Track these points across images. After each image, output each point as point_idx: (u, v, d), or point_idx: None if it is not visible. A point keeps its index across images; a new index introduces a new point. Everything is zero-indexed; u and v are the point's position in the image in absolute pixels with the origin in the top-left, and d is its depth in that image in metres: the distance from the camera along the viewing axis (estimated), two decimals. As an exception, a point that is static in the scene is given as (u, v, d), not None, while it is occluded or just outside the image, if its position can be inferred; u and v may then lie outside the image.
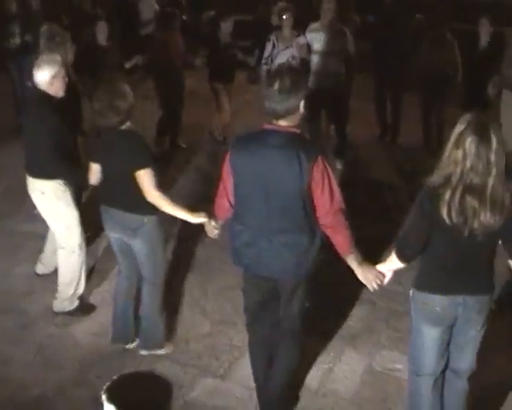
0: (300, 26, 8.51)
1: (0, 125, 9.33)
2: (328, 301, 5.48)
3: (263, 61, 8.53)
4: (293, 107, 3.74)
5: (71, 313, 5.35)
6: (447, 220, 3.39)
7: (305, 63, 8.25)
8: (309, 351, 4.95)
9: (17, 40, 9.20)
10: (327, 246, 3.92)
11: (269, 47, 8.50)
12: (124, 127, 4.48)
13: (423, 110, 9.19)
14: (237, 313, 5.10)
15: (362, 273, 3.91)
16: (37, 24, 7.85)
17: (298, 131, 3.80)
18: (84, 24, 9.20)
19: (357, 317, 5.39)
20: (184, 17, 11.57)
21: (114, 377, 2.72)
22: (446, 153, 3.43)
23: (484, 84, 7.95)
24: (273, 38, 8.49)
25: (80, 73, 6.48)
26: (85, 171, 4.80)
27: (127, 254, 4.75)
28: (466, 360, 3.81)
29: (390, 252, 3.83)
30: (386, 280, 3.93)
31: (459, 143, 3.38)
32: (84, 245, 5.34)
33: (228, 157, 3.91)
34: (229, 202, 4.02)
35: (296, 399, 4.54)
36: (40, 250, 5.89)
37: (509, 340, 5.04)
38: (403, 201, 7.00)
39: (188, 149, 9.05)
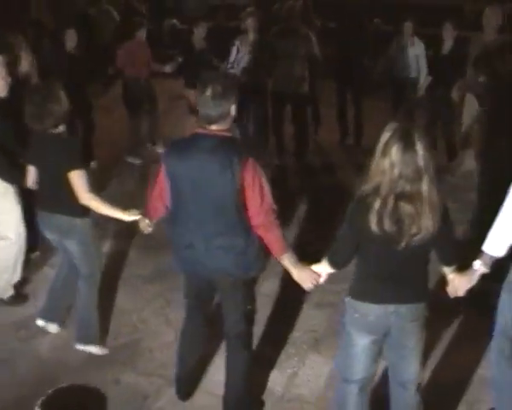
0: (266, 30, 8.63)
1: None
2: (290, 306, 5.56)
3: (228, 65, 8.61)
4: (226, 112, 3.85)
5: (4, 302, 5.53)
6: (377, 230, 3.40)
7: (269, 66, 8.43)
8: (273, 357, 5.02)
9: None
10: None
11: (233, 52, 8.61)
12: (56, 131, 4.60)
13: (392, 112, 9.28)
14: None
15: (297, 273, 3.97)
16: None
17: (229, 134, 3.91)
18: (44, 35, 9.17)
19: (319, 321, 5.43)
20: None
21: (49, 391, 2.72)
22: (374, 162, 3.44)
23: (448, 87, 8.13)
24: (237, 42, 8.59)
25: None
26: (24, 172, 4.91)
27: (66, 250, 4.91)
28: (410, 371, 3.80)
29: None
30: (322, 280, 3.94)
31: (385, 151, 3.39)
32: (23, 235, 5.43)
33: (163, 162, 4.01)
34: (165, 206, 4.11)
35: (261, 404, 4.56)
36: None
37: (472, 339, 5.14)
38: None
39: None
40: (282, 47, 8.31)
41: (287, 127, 9.13)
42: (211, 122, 3.85)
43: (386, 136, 3.42)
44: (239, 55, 8.56)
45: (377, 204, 3.40)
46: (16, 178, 5.14)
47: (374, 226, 3.40)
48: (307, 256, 4.08)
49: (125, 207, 4.62)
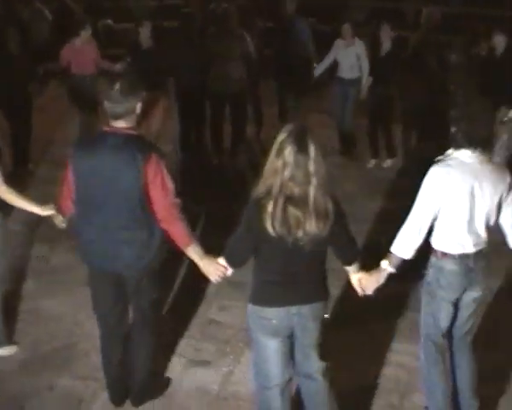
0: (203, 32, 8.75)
1: None
2: (227, 304, 5.62)
3: None
4: (132, 108, 3.94)
5: None
6: (271, 231, 3.47)
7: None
8: (208, 356, 5.06)
9: None
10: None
11: None
12: None
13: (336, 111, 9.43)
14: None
15: (203, 266, 4.07)
16: None
17: (134, 132, 4.01)
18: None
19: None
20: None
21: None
22: (269, 162, 3.50)
23: (387, 86, 8.39)
24: None
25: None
26: None
27: None
28: (314, 363, 3.89)
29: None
30: (229, 273, 3.97)
31: (279, 153, 3.46)
32: None
33: (70, 160, 4.07)
34: (73, 203, 4.18)
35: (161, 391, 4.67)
36: None
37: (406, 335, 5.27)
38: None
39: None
40: (217, 48, 8.37)
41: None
42: (116, 118, 3.94)
43: (281, 137, 3.50)
44: None
45: (270, 205, 3.46)
46: None
47: (269, 227, 3.46)
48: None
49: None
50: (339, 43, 9.09)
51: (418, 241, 3.92)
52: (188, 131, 9.16)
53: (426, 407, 4.39)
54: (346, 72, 9.05)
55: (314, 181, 3.46)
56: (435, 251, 4.05)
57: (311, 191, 3.46)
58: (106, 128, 4.02)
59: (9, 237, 5.16)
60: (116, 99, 3.89)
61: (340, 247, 3.78)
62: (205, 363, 4.99)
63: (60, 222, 4.46)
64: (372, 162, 9.02)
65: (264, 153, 3.63)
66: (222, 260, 3.93)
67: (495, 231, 4.05)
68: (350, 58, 8.98)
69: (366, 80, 8.90)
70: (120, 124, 3.96)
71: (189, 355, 5.08)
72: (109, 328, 4.41)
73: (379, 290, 4.07)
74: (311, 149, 3.45)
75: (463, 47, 8.09)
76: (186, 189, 7.32)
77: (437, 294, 4.05)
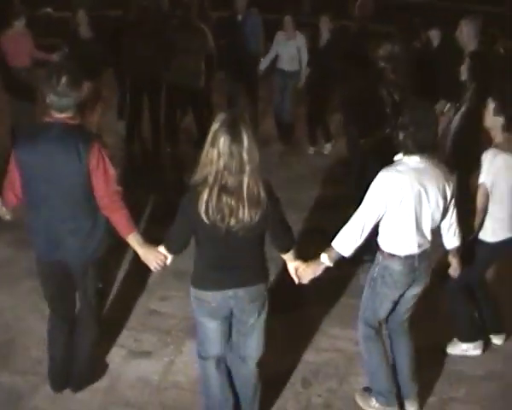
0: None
1: None
2: (167, 294, 5.64)
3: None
4: (73, 100, 4.00)
5: None
6: (205, 219, 3.56)
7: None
8: (149, 346, 5.09)
9: None
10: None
11: None
12: None
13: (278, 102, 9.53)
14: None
15: (143, 254, 4.13)
16: None
17: (76, 122, 4.06)
18: None
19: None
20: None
21: None
22: (204, 152, 3.57)
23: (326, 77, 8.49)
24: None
25: None
26: None
27: None
28: (250, 347, 4.01)
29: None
30: (169, 262, 4.02)
31: (214, 142, 3.53)
32: None
33: (13, 151, 4.09)
34: (15, 195, 4.20)
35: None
36: None
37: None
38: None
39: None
40: (178, 41, 8.37)
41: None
42: (62, 111, 4.00)
43: (215, 126, 3.55)
44: None
45: (206, 194, 3.54)
46: None
47: (203, 215, 3.55)
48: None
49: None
50: (280, 35, 9.18)
51: (359, 241, 4.01)
52: (136, 122, 9.14)
53: (366, 387, 4.52)
54: (287, 64, 9.18)
55: (248, 170, 3.52)
56: (382, 251, 4.16)
57: (245, 180, 3.53)
58: (48, 119, 4.05)
59: None
60: (62, 92, 3.93)
61: (274, 234, 3.85)
62: (146, 353, 5.02)
63: (4, 214, 4.37)
64: (311, 149, 9.20)
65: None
66: (162, 249, 3.97)
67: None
68: (290, 51, 9.10)
69: (304, 71, 9.08)
70: (62, 115, 4.01)
71: (130, 346, 5.10)
72: (57, 313, 4.48)
73: (318, 277, 4.14)
74: (245, 138, 3.50)
75: (404, 38, 8.20)
76: (134, 178, 7.48)
77: (380, 291, 4.18)
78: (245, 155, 3.51)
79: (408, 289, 4.20)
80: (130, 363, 4.92)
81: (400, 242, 4.07)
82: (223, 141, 3.49)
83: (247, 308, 3.87)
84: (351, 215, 4.06)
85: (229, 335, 4.03)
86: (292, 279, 4.13)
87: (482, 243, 4.75)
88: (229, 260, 3.75)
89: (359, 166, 6.37)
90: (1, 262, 6.20)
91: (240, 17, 9.32)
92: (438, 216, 4.09)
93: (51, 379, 4.59)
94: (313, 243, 4.31)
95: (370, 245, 4.18)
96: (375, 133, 5.92)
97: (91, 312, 4.47)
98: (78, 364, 4.56)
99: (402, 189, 3.94)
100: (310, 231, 6.64)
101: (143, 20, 8.64)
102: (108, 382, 4.74)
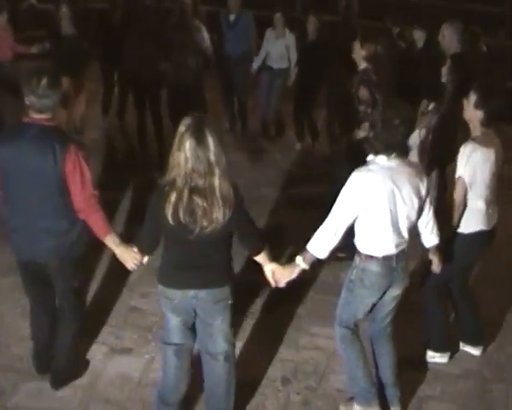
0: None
1: None
2: (148, 291, 5.65)
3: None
4: (52, 102, 4.08)
5: None
6: (171, 221, 3.64)
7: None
8: (130, 343, 5.13)
9: None
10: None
11: None
12: None
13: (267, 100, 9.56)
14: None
15: (119, 254, 4.23)
16: None
17: (53, 123, 4.14)
18: None
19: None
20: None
21: None
22: (172, 155, 3.65)
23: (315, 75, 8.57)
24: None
25: None
26: None
27: None
28: (218, 345, 4.07)
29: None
30: (145, 261, 4.15)
31: (180, 146, 3.62)
32: None
33: None
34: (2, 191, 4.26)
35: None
36: None
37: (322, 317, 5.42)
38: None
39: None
40: (177, 39, 8.37)
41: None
42: (41, 112, 4.07)
43: (181, 130, 3.63)
44: None
45: (173, 196, 3.63)
46: None
47: (170, 217, 3.63)
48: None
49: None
50: (270, 33, 9.21)
51: (334, 242, 4.04)
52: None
53: (351, 397, 4.51)
54: (275, 61, 9.21)
55: (217, 171, 3.61)
56: (359, 253, 4.17)
57: (217, 181, 3.62)
58: (26, 119, 4.13)
59: None
60: (42, 94, 4.01)
61: (242, 234, 3.93)
62: (126, 350, 5.06)
63: None
64: (299, 145, 9.25)
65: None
66: (136, 249, 4.11)
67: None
68: (279, 49, 9.14)
69: (293, 70, 9.12)
70: (40, 116, 4.08)
71: (111, 343, 5.13)
72: (38, 305, 4.61)
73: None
74: (210, 141, 3.59)
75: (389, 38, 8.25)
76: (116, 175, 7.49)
77: (358, 293, 4.18)
78: (212, 158, 3.60)
79: (387, 290, 4.21)
80: (111, 360, 4.96)
81: (377, 242, 4.08)
82: (188, 144, 3.58)
83: (210, 309, 3.94)
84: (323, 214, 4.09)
85: (195, 331, 4.09)
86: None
87: (458, 234, 4.74)
88: (194, 260, 3.82)
89: (335, 165, 6.40)
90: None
91: (232, 17, 9.29)
92: (413, 215, 4.10)
93: (35, 362, 4.68)
94: (297, 242, 4.34)
95: (346, 243, 4.18)
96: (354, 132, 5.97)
97: (69, 310, 4.52)
98: (58, 360, 4.61)
99: (375, 188, 3.94)
100: (292, 229, 6.69)
101: (143, 18, 8.64)
102: (89, 379, 4.77)
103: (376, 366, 4.49)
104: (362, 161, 4.11)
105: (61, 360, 4.60)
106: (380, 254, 4.10)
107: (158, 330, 5.20)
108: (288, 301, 5.55)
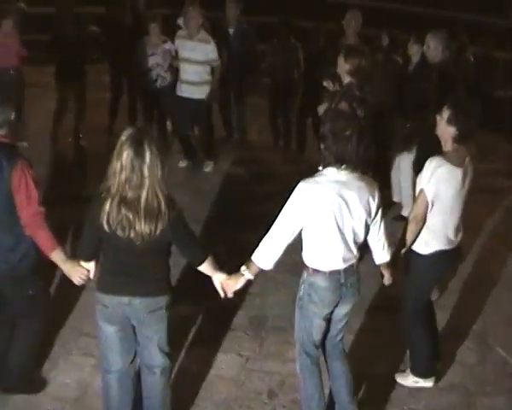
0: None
1: None
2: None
3: (136, 65, 8.79)
4: (7, 118, 4.25)
5: None
6: (106, 228, 3.73)
7: (173, 70, 8.62)
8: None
9: None
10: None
11: (139, 52, 8.74)
12: None
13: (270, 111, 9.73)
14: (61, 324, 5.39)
15: (66, 270, 4.26)
16: None
17: (5, 140, 4.26)
18: None
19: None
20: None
21: None
22: (110, 163, 3.73)
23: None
24: (141, 43, 8.73)
25: None
26: None
27: None
28: (154, 357, 4.09)
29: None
30: (92, 275, 4.17)
31: (118, 156, 3.70)
32: None
33: None
34: None
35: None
36: None
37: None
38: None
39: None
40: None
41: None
42: None
43: (121, 140, 3.72)
44: None
45: (107, 204, 3.72)
46: None
47: (104, 224, 3.73)
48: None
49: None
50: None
51: (278, 254, 4.04)
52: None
53: None
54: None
55: (147, 184, 3.68)
56: (307, 267, 4.14)
57: (143, 194, 3.69)
58: None
59: None
60: None
61: (181, 246, 3.99)
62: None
63: None
64: None
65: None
66: (84, 263, 4.13)
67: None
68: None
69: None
70: None
71: (99, 355, 5.07)
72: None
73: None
74: (147, 154, 3.67)
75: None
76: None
77: (309, 309, 4.15)
78: (145, 170, 3.67)
79: (336, 306, 4.16)
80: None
81: (324, 257, 4.04)
82: (126, 155, 3.66)
83: (143, 319, 3.97)
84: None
85: (131, 346, 4.10)
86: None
87: (417, 254, 4.68)
88: (129, 267, 3.89)
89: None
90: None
91: (231, 30, 9.31)
92: (361, 230, 4.06)
93: None
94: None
95: None
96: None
97: (27, 320, 4.56)
98: (11, 367, 4.63)
99: (320, 201, 3.92)
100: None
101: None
102: (78, 392, 4.81)
103: (331, 387, 4.44)
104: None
105: (13, 367, 4.63)
106: (326, 268, 4.06)
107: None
108: (273, 314, 5.61)
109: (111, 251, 3.89)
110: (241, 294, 4.84)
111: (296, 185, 3.99)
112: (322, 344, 4.35)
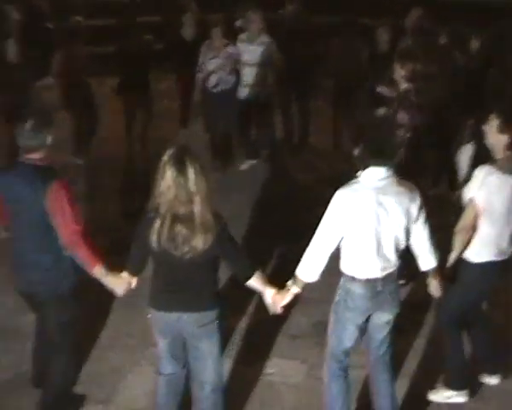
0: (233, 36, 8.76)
1: None
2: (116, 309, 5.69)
3: (197, 68, 8.73)
4: (42, 142, 4.26)
5: None
6: (156, 247, 3.79)
7: (235, 73, 8.59)
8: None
9: None
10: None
11: (201, 55, 8.73)
12: None
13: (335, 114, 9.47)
14: (129, 335, 5.43)
15: (108, 283, 4.32)
16: None
17: (43, 162, 4.30)
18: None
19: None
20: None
21: None
22: (156, 183, 3.78)
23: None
24: (204, 47, 8.70)
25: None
26: None
27: None
28: (205, 372, 4.09)
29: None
30: (133, 285, 4.23)
31: (163, 175, 3.76)
32: None
33: None
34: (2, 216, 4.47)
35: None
36: None
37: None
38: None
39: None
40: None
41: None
42: (28, 152, 4.28)
43: (164, 160, 3.78)
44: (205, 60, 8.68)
45: (157, 223, 3.77)
46: None
47: (154, 243, 3.79)
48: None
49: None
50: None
51: (321, 265, 3.99)
52: None
53: None
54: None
55: (197, 199, 3.73)
56: (343, 273, 4.07)
57: (196, 209, 3.74)
58: (20, 159, 4.35)
59: None
60: (28, 136, 4.22)
61: (229, 259, 4.01)
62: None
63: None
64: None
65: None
66: (125, 274, 4.21)
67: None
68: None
69: None
70: (32, 155, 4.28)
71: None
72: (37, 330, 4.77)
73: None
74: (190, 171, 3.73)
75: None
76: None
77: (343, 315, 4.11)
78: (191, 187, 3.72)
79: (374, 314, 4.11)
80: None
81: (360, 264, 3.98)
82: (169, 174, 3.71)
83: (195, 333, 4.00)
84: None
85: (182, 357, 4.17)
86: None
87: (467, 263, 4.52)
88: (178, 284, 3.93)
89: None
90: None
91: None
92: (401, 236, 3.97)
93: (33, 375, 4.84)
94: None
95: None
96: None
97: (56, 345, 4.55)
98: (46, 391, 4.64)
99: (358, 209, 3.86)
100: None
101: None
102: (146, 402, 4.72)
103: (375, 397, 4.36)
104: None
105: (47, 390, 4.64)
106: (362, 276, 3.99)
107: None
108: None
109: (160, 268, 3.95)
110: (303, 300, 4.86)
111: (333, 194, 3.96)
112: (368, 356, 4.31)
